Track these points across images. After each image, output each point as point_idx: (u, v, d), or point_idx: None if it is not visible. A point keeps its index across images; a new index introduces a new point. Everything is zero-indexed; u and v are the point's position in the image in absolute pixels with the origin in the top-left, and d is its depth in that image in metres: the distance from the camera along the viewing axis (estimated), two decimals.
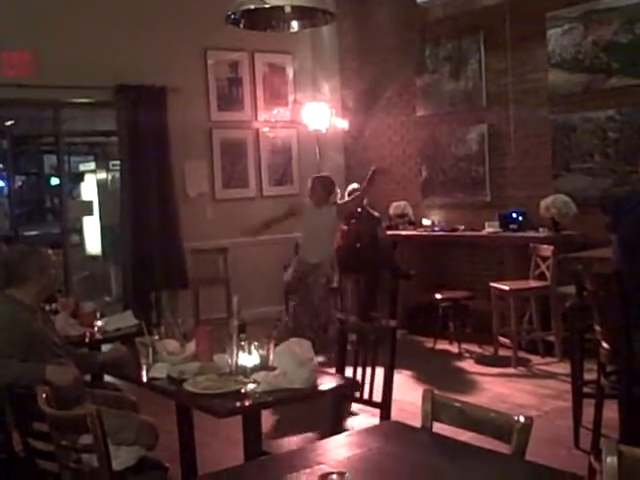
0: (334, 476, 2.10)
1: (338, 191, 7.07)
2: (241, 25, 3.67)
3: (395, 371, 3.54)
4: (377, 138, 9.26)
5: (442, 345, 7.22)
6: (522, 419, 2.35)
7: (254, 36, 7.73)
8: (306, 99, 9.12)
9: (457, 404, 2.59)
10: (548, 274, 6.56)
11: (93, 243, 10.51)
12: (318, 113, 8.96)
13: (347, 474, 2.11)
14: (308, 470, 2.26)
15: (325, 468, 2.24)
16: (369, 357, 3.57)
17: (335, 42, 9.58)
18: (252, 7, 3.35)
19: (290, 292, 6.63)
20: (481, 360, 6.73)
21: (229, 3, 3.59)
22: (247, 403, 3.02)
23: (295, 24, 3.78)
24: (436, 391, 2.64)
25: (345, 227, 7.27)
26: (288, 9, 3.59)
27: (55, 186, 11.07)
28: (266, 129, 9.17)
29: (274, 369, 3.20)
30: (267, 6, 3.32)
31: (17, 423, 3.10)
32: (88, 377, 4.16)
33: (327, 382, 3.27)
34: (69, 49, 7.56)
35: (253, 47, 8.80)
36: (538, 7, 7.29)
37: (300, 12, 3.65)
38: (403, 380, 5.91)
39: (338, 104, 9.45)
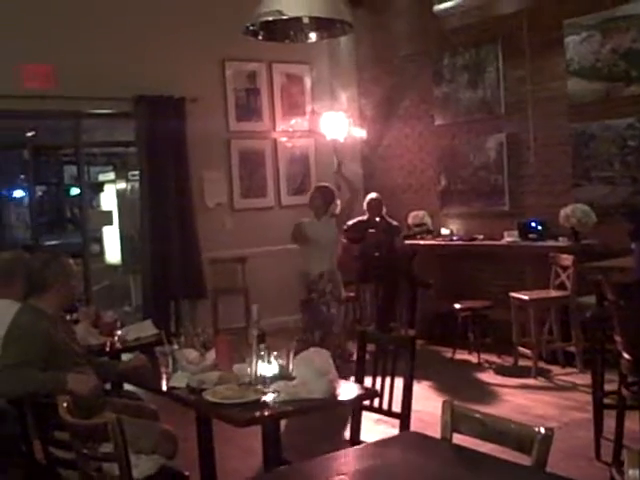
0: None
1: (338, 202, 6.96)
2: (259, 37, 3.69)
3: (415, 381, 3.53)
4: (395, 147, 9.26)
5: (461, 355, 7.18)
6: (543, 430, 2.33)
7: (272, 47, 7.75)
8: (324, 109, 9.14)
9: (477, 415, 2.57)
10: (568, 284, 6.52)
11: (113, 253, 10.57)
12: (336, 123, 8.97)
13: None
14: None
15: (344, 479, 2.24)
16: (388, 367, 3.56)
17: (353, 52, 9.61)
18: (270, 19, 3.37)
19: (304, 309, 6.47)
20: (501, 370, 6.69)
21: (247, 14, 3.62)
22: (266, 413, 3.02)
23: (313, 35, 3.80)
24: (455, 402, 2.63)
25: (345, 240, 7.25)
26: (306, 20, 3.60)
27: (75, 196, 11.15)
28: (284, 139, 9.20)
29: (293, 379, 3.20)
30: (285, 17, 3.33)
31: (38, 431, 3.12)
32: (108, 386, 4.18)
33: (346, 392, 3.27)
34: (89, 61, 7.63)
35: (271, 58, 8.84)
36: (556, 15, 7.28)
37: (318, 23, 3.66)
38: (422, 390, 5.89)
39: (356, 113, 9.46)
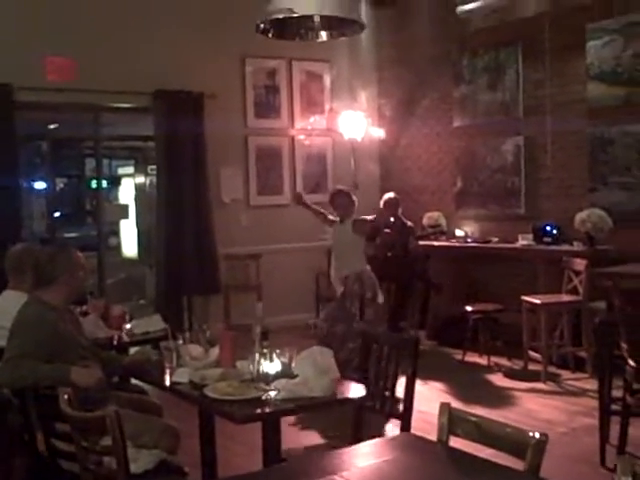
0: None
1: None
2: (270, 34, 3.70)
3: (423, 382, 3.54)
4: (413, 148, 9.24)
5: (471, 358, 7.16)
6: (537, 435, 2.33)
7: (292, 44, 7.76)
8: (343, 108, 9.14)
9: (474, 418, 2.57)
10: (581, 289, 6.48)
11: (130, 246, 10.64)
12: (354, 122, 8.98)
13: None
14: None
15: (339, 479, 2.25)
16: (391, 368, 3.56)
17: (373, 51, 9.60)
18: (281, 16, 3.38)
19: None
20: (510, 374, 6.66)
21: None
22: (267, 410, 3.04)
23: (324, 34, 3.80)
24: (463, 404, 2.63)
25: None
26: (317, 19, 3.60)
27: (95, 189, 11.24)
28: (302, 137, 9.21)
29: (295, 377, 3.21)
30: (295, 15, 3.34)
31: (41, 423, 3.15)
32: (116, 379, 4.21)
33: (348, 391, 3.28)
34: (110, 55, 7.69)
35: (291, 55, 8.86)
36: (578, 19, 7.23)
37: (329, 22, 3.67)
38: (430, 392, 5.86)
39: (375, 113, 9.46)
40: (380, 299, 6.20)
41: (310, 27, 3.72)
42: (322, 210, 6.70)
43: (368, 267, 6.23)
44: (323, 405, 3.27)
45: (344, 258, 6.19)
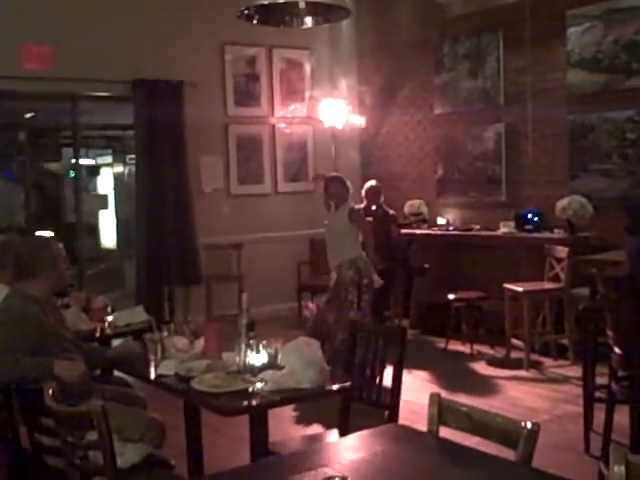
0: (336, 479, 2.09)
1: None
2: (254, 21, 3.65)
3: (406, 371, 3.52)
4: (394, 136, 9.22)
5: (454, 346, 7.17)
6: (529, 425, 2.32)
7: (272, 32, 7.72)
8: (323, 95, 9.10)
9: (464, 408, 2.56)
10: (562, 276, 6.50)
11: (108, 237, 10.54)
12: (335, 110, 8.93)
13: (349, 478, 2.09)
14: (312, 472, 2.24)
15: (329, 471, 2.23)
16: (378, 358, 3.54)
17: (353, 38, 9.55)
18: (266, 2, 3.33)
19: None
20: (493, 362, 6.68)
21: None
22: (254, 402, 3.01)
23: (309, 20, 3.76)
24: (447, 393, 2.62)
25: None
26: (302, 5, 3.56)
27: (72, 179, 11.11)
28: (282, 125, 9.16)
29: (282, 368, 3.18)
30: (281, 1, 3.29)
31: (24, 418, 3.10)
32: (98, 372, 4.16)
33: (335, 382, 3.25)
34: (88, 43, 7.58)
35: (271, 42, 8.79)
36: (558, 5, 7.24)
37: (314, 8, 3.62)
38: (414, 381, 5.87)
39: (355, 101, 9.42)
40: (376, 284, 6.12)
41: (295, 13, 3.67)
42: None
43: (363, 253, 6.14)
44: (310, 396, 3.25)
45: (339, 246, 6.10)
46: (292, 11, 3.65)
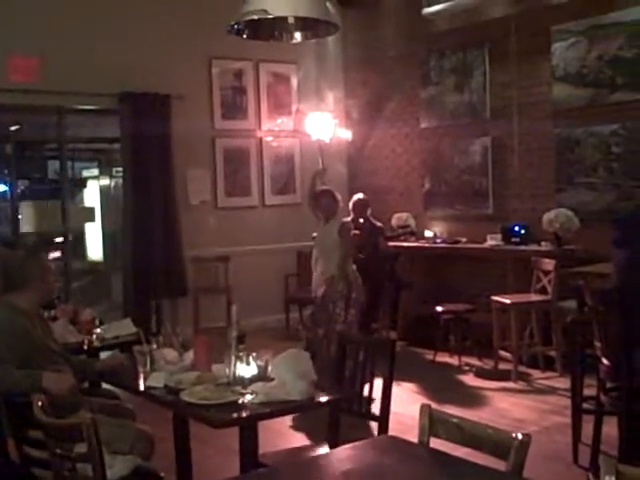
0: None
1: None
2: (244, 35, 3.67)
3: (394, 383, 3.51)
4: (380, 149, 9.26)
5: (442, 358, 7.19)
6: (520, 436, 2.33)
7: (259, 46, 7.70)
8: (310, 109, 9.13)
9: (455, 420, 2.56)
10: (549, 288, 6.54)
11: (95, 249, 10.50)
12: (322, 123, 8.96)
13: None
14: None
15: None
16: (368, 370, 3.55)
17: (340, 52, 9.61)
18: (255, 18, 3.35)
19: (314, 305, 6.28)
20: (481, 374, 6.70)
21: (235, 13, 3.59)
22: (244, 414, 3.00)
23: (298, 35, 3.77)
24: (435, 404, 2.62)
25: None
26: (291, 20, 3.58)
27: (59, 191, 11.07)
28: (269, 138, 9.18)
29: (272, 380, 3.18)
30: (270, 17, 3.31)
31: (13, 430, 3.08)
32: (86, 384, 4.14)
33: (324, 394, 3.25)
34: (75, 56, 7.58)
35: (258, 56, 8.82)
36: (543, 21, 7.31)
37: (303, 23, 3.64)
38: (402, 392, 5.88)
39: (342, 114, 9.46)
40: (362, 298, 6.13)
41: (284, 28, 3.69)
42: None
43: (354, 266, 6.14)
44: (300, 408, 3.25)
45: (330, 258, 6.08)
46: (281, 26, 3.67)
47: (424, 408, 2.59)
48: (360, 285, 6.08)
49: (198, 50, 8.46)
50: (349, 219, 7.48)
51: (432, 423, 2.56)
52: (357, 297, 6.03)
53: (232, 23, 3.49)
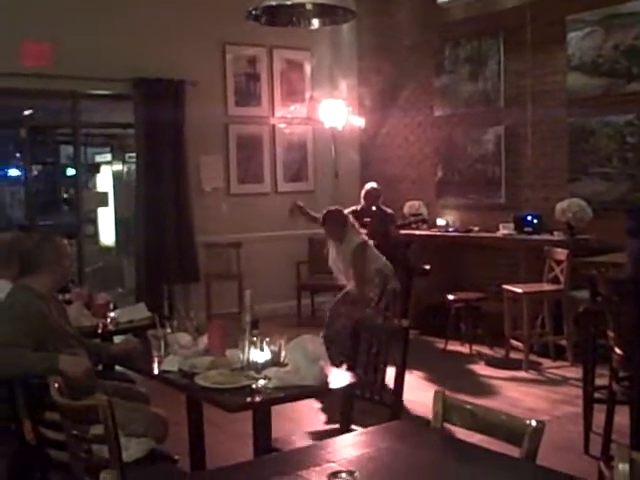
0: (343, 475, 2.10)
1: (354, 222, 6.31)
2: (262, 21, 3.67)
3: (407, 371, 3.53)
4: (393, 137, 9.24)
5: (453, 346, 7.19)
6: (534, 423, 2.34)
7: (273, 32, 7.73)
8: (323, 96, 9.12)
9: (468, 406, 2.57)
10: (562, 278, 6.53)
11: (107, 234, 10.55)
12: (335, 110, 8.96)
13: (356, 473, 2.10)
14: (318, 468, 2.25)
15: (335, 467, 2.24)
16: (381, 356, 3.56)
17: (354, 40, 9.57)
18: (274, 3, 3.35)
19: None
20: (492, 362, 6.70)
21: None
22: (258, 399, 3.02)
23: (315, 21, 3.78)
24: (446, 393, 2.63)
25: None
26: (309, 6, 3.58)
27: (71, 177, 11.11)
28: (282, 125, 9.18)
29: (285, 365, 3.20)
30: (288, 3, 3.31)
31: (29, 412, 3.11)
32: (100, 367, 4.17)
33: (338, 380, 3.27)
34: (88, 41, 7.58)
35: (272, 43, 8.81)
36: (559, 10, 7.26)
37: (321, 9, 3.64)
38: (413, 380, 5.89)
39: (355, 102, 9.44)
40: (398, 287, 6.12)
41: (301, 14, 3.69)
42: (317, 216, 6.44)
43: (383, 258, 6.11)
44: (314, 394, 3.27)
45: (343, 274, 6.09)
46: (299, 12, 3.67)
47: (438, 394, 2.61)
48: (394, 276, 6.11)
49: (212, 36, 8.46)
50: (359, 207, 7.48)
51: (446, 409, 2.58)
52: (392, 287, 6.07)
53: (250, 9, 3.49)
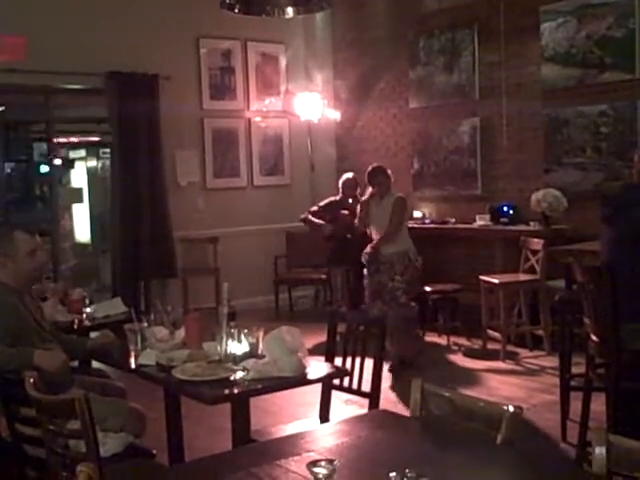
0: (323, 463, 2.08)
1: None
2: (236, 10, 3.64)
3: (384, 362, 3.53)
4: (369, 130, 9.24)
5: (431, 337, 7.22)
6: (512, 408, 2.35)
7: (247, 25, 7.71)
8: (298, 89, 9.10)
9: (446, 393, 2.58)
10: (538, 268, 6.57)
11: (83, 231, 10.45)
12: (310, 103, 8.94)
13: (336, 461, 2.09)
14: (297, 457, 2.25)
15: (314, 456, 2.23)
16: (358, 347, 3.56)
17: (328, 32, 9.55)
18: None
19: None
20: (470, 353, 6.73)
21: None
22: (236, 390, 3.01)
23: (290, 10, 3.75)
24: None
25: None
26: None
27: (44, 173, 10.99)
28: (258, 119, 9.15)
29: (263, 357, 3.19)
30: None
31: (4, 408, 3.07)
32: (76, 363, 4.13)
33: (316, 370, 3.27)
34: (61, 34, 7.51)
35: (246, 36, 8.77)
36: (532, 1, 7.28)
37: None
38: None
39: (330, 95, 9.42)
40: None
41: (276, 3, 3.66)
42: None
43: (412, 245, 6.44)
44: (292, 385, 3.25)
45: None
46: (274, 1, 3.64)
47: (416, 382, 2.61)
48: (418, 266, 6.41)
49: (186, 29, 8.41)
50: (337, 198, 7.49)
51: (424, 397, 2.58)
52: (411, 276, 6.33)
53: None
